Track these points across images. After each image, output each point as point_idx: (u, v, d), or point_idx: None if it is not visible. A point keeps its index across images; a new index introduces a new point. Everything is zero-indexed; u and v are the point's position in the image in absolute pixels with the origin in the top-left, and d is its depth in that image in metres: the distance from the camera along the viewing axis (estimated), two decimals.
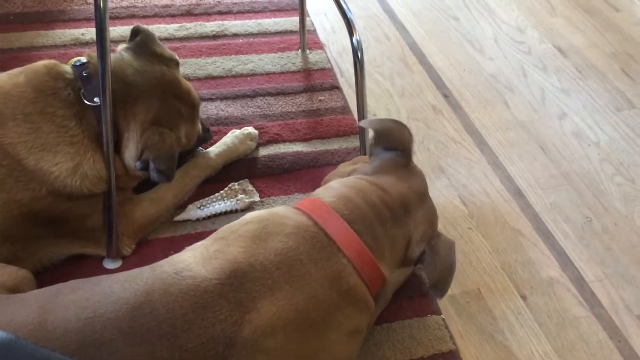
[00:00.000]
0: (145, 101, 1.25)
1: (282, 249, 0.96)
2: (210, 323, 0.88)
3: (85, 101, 1.20)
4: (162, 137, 1.24)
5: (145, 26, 1.36)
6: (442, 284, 1.11)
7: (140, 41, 1.32)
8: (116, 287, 0.92)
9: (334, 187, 1.09)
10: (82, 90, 1.20)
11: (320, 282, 0.95)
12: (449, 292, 1.31)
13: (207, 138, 1.49)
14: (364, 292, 1.01)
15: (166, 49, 1.36)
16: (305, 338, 0.94)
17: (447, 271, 1.11)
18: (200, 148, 1.49)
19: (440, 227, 1.45)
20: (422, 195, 1.13)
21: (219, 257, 0.95)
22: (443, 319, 1.26)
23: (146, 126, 1.24)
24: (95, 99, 1.19)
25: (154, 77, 1.28)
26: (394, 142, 1.16)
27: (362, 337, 1.06)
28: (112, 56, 1.26)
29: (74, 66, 1.23)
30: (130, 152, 1.24)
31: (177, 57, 1.38)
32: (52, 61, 1.25)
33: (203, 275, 0.92)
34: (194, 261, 0.95)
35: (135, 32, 1.34)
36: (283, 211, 1.04)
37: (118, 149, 1.25)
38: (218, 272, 0.92)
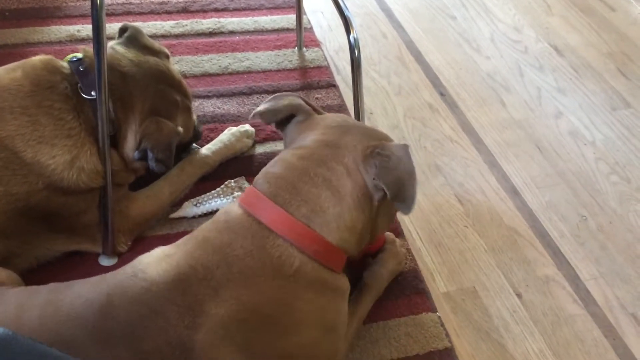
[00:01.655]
0: (142, 91, 1.26)
1: (219, 247, 0.93)
2: (164, 328, 0.87)
3: (83, 95, 1.20)
4: (159, 126, 1.25)
5: (133, 23, 1.38)
6: (403, 192, 0.97)
7: (130, 35, 1.34)
8: (84, 289, 0.93)
9: (261, 172, 1.04)
10: (79, 84, 1.20)
11: (261, 274, 0.90)
12: (444, 289, 1.32)
13: (198, 135, 1.48)
14: (316, 270, 0.94)
15: (155, 42, 1.38)
16: (270, 336, 0.91)
17: (405, 175, 0.98)
18: (195, 145, 1.49)
19: (437, 225, 1.46)
20: (341, 125, 1.05)
21: (168, 260, 0.93)
22: (439, 317, 1.26)
23: (144, 116, 1.24)
24: (93, 93, 1.19)
25: (148, 68, 1.29)
26: (285, 112, 1.11)
27: (341, 323, 1.02)
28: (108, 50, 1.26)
29: (70, 62, 1.23)
30: (129, 144, 1.25)
31: (166, 50, 1.39)
32: (48, 56, 1.25)
33: (153, 279, 0.91)
34: (152, 261, 0.94)
35: (124, 29, 1.36)
36: (228, 207, 1.00)
37: (117, 141, 1.25)
38: (165, 277, 0.91)
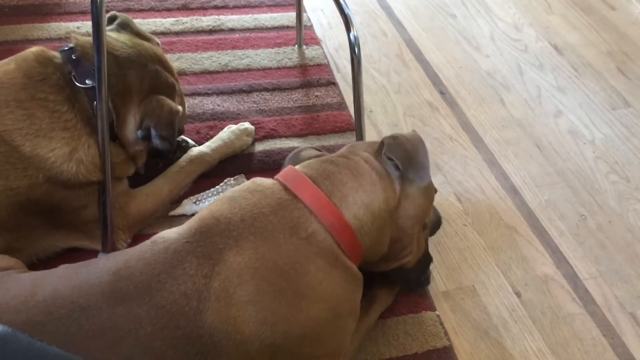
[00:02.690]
0: (138, 71, 1.26)
1: (245, 205, 1.00)
2: (182, 280, 0.91)
3: (77, 84, 1.19)
4: (160, 102, 1.25)
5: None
6: (415, 161, 1.08)
7: (121, 22, 1.35)
8: (101, 262, 0.98)
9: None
10: (72, 74, 1.20)
11: (281, 230, 0.97)
12: (444, 287, 1.33)
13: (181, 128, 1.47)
14: (329, 242, 0.99)
15: (145, 31, 1.39)
16: (277, 291, 0.94)
17: (413, 146, 1.10)
18: (192, 142, 1.49)
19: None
20: (349, 146, 1.18)
21: (190, 220, 1.01)
22: (438, 315, 1.26)
23: (143, 96, 1.25)
24: (87, 81, 1.19)
25: (143, 49, 1.30)
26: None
27: (350, 314, 1.04)
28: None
29: (62, 51, 1.23)
30: (129, 126, 1.24)
31: (156, 39, 1.40)
32: (40, 48, 1.25)
33: (174, 238, 0.97)
34: (169, 231, 1.01)
35: (113, 18, 1.37)
36: (259, 178, 1.08)
37: (115, 130, 1.24)
38: (187, 232, 0.97)
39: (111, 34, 1.30)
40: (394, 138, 1.11)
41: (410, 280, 1.24)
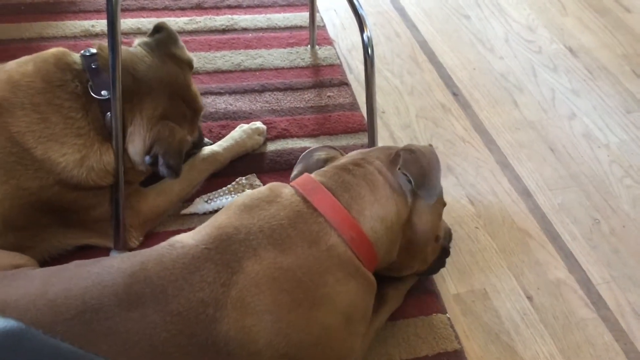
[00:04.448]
0: (154, 98, 1.24)
1: (264, 215, 1.00)
2: (199, 287, 0.91)
3: (92, 94, 1.19)
4: (173, 132, 1.24)
5: (169, 25, 1.35)
6: (427, 181, 1.09)
7: (160, 39, 1.32)
8: (116, 262, 0.96)
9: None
10: (89, 83, 1.20)
11: (300, 242, 0.97)
12: (455, 290, 1.32)
13: (198, 146, 1.45)
14: (348, 255, 0.99)
15: (185, 52, 1.36)
16: (297, 303, 0.93)
17: (428, 165, 1.10)
18: (208, 140, 1.49)
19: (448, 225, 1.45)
20: (362, 151, 1.17)
21: (207, 227, 1.00)
22: (448, 318, 1.25)
23: (154, 121, 1.23)
24: (103, 92, 1.19)
25: (165, 76, 1.27)
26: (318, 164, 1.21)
27: (362, 318, 1.04)
28: (126, 49, 1.26)
29: (83, 56, 1.23)
30: (135, 147, 1.23)
31: (192, 60, 1.37)
32: (62, 49, 1.25)
33: (192, 244, 0.96)
34: (186, 235, 1.01)
35: (158, 29, 1.34)
36: (276, 185, 1.07)
37: (125, 145, 1.24)
38: (205, 239, 0.97)
39: (140, 51, 1.28)
40: (411, 152, 1.11)
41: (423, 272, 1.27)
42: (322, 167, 1.16)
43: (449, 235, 1.32)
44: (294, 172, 1.24)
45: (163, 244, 0.99)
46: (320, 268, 0.96)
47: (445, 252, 1.27)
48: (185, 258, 0.94)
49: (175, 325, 0.88)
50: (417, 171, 1.09)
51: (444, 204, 1.21)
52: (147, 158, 1.23)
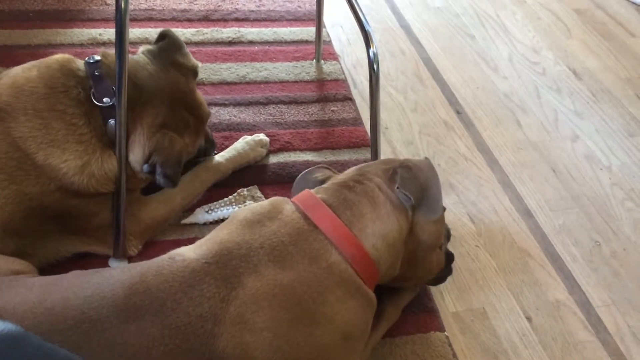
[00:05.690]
0: (154, 106, 1.24)
1: (265, 232, 0.99)
2: (198, 302, 0.91)
3: (95, 101, 1.20)
4: (172, 142, 1.24)
5: (174, 32, 1.35)
6: (427, 197, 1.09)
7: (163, 46, 1.32)
8: (115, 272, 0.96)
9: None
10: (92, 90, 1.21)
11: (300, 260, 0.96)
12: (454, 308, 1.31)
13: (209, 151, 1.46)
14: (349, 273, 0.99)
15: (190, 58, 1.35)
16: (293, 319, 0.93)
17: (426, 181, 1.10)
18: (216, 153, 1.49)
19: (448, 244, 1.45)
20: (359, 167, 1.17)
21: (208, 241, 1.00)
22: (446, 337, 1.24)
23: (154, 130, 1.23)
24: (105, 99, 1.20)
25: (166, 84, 1.27)
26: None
27: (361, 336, 1.03)
28: (129, 57, 1.26)
29: (87, 62, 1.23)
30: (135, 155, 1.23)
31: (198, 68, 1.37)
32: (66, 56, 1.26)
33: (192, 258, 0.96)
34: (187, 249, 1.00)
35: (162, 36, 1.34)
36: (278, 201, 1.07)
37: None
38: (206, 253, 0.96)
39: (142, 59, 1.28)
40: (408, 169, 1.11)
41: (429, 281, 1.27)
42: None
43: (448, 235, 1.31)
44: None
45: (164, 256, 0.99)
46: (320, 286, 0.96)
47: (450, 258, 1.27)
48: (185, 271, 0.93)
49: (173, 339, 0.88)
50: (416, 189, 1.09)
51: (444, 208, 1.20)
52: (146, 167, 1.23)
